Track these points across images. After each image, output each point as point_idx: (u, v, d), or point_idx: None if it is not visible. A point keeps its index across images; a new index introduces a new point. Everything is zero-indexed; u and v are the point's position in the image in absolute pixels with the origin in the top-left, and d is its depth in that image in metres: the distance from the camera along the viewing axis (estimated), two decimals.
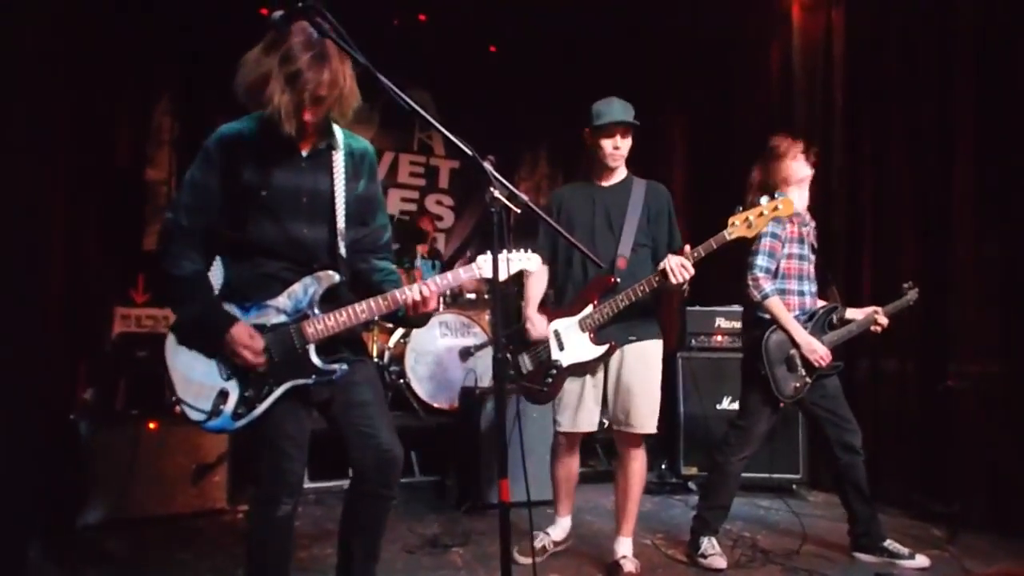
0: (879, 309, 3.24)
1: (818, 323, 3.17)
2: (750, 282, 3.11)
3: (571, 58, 6.19)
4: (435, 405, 4.69)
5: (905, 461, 4.07)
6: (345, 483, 4.18)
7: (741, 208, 2.79)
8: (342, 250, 2.11)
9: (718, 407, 4.39)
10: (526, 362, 2.99)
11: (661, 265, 2.73)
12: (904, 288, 3.32)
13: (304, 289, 2.04)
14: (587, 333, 2.88)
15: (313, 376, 2.02)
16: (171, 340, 2.02)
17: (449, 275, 2.14)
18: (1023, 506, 3.48)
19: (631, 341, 2.92)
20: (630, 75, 6.16)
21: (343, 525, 2.24)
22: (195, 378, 1.99)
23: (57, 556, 3.01)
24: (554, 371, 2.91)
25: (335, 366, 2.05)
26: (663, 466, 4.61)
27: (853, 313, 3.26)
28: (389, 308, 2.06)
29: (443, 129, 1.82)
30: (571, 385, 2.97)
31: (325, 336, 2.03)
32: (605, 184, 3.07)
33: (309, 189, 2.08)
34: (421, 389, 4.71)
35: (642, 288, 2.78)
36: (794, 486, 4.34)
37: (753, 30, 5.39)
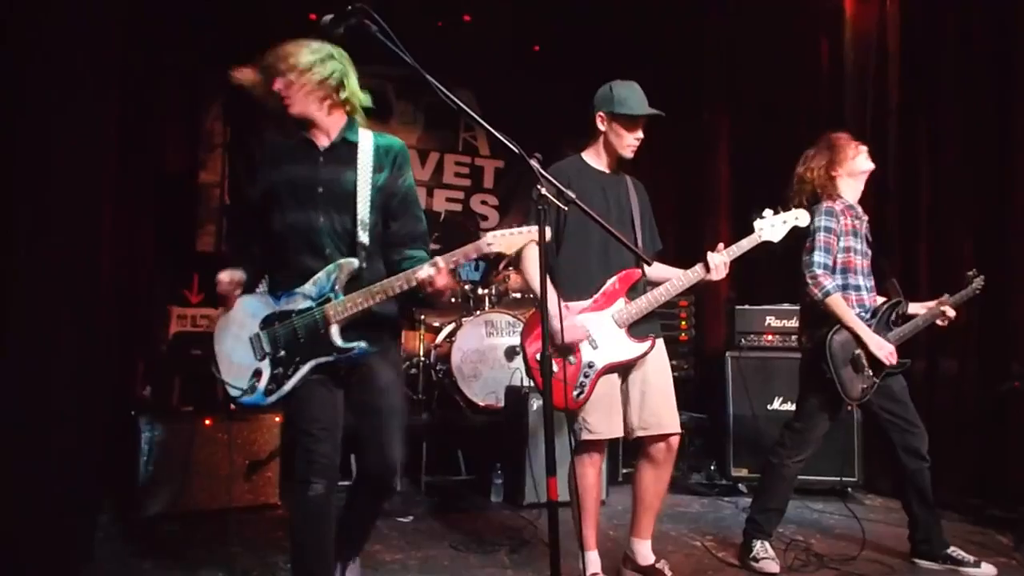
0: (945, 300, 3.13)
1: (882, 320, 3.07)
2: (809, 280, 3.01)
3: (615, 56, 6.13)
4: (481, 404, 4.71)
5: (964, 464, 3.94)
6: None
7: (779, 208, 2.80)
8: (362, 238, 2.25)
9: (768, 407, 4.30)
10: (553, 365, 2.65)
11: (654, 259, 2.71)
12: (969, 276, 3.20)
13: (327, 276, 2.21)
14: (623, 329, 2.66)
15: (334, 354, 2.18)
16: (220, 326, 2.29)
17: (458, 252, 2.19)
18: None
19: (655, 337, 2.75)
20: (675, 70, 6.09)
21: (344, 508, 2.43)
22: (235, 360, 2.24)
23: (116, 548, 3.11)
24: (589, 372, 2.63)
25: (354, 344, 2.18)
26: (712, 467, 4.55)
27: (916, 307, 3.16)
28: (402, 287, 2.16)
29: (491, 128, 1.83)
30: (601, 387, 2.67)
31: (346, 316, 2.17)
32: (607, 172, 2.85)
33: (325, 180, 2.26)
34: (467, 388, 4.72)
35: (680, 283, 2.68)
36: (849, 489, 4.22)
37: (802, 23, 5.27)
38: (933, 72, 4.33)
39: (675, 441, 2.76)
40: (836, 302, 2.98)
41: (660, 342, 2.79)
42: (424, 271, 2.14)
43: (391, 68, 6.58)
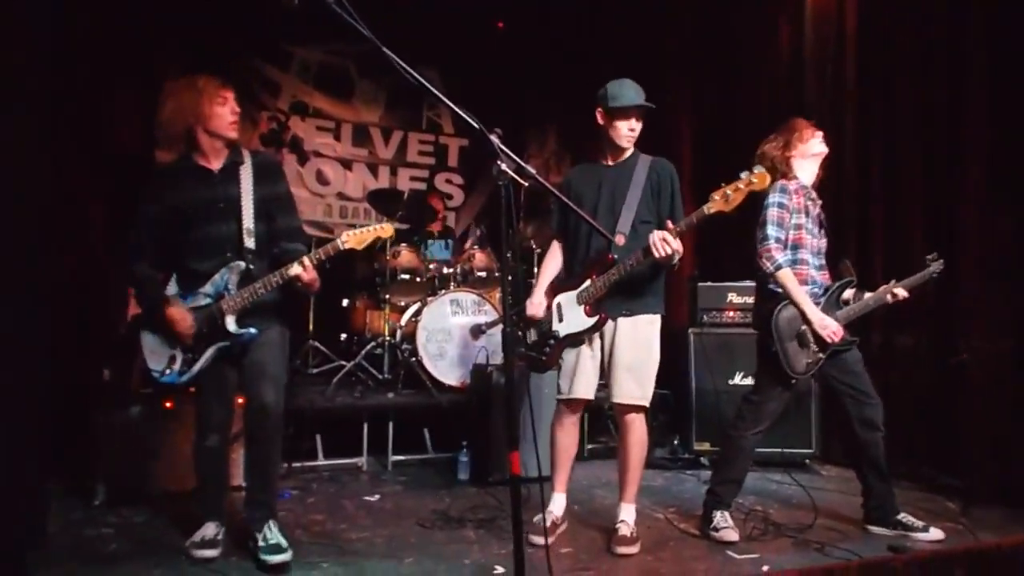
0: (895, 282, 3.22)
1: (832, 298, 3.15)
2: (763, 253, 3.08)
3: (578, 34, 6.13)
4: (447, 383, 4.71)
5: (916, 434, 4.06)
6: (357, 460, 4.27)
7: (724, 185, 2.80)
8: (248, 243, 2.76)
9: (730, 382, 4.39)
10: (531, 334, 3.19)
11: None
12: (927, 260, 3.29)
13: (221, 277, 2.73)
14: (583, 306, 2.99)
15: (229, 340, 2.72)
16: (142, 326, 2.81)
17: (319, 251, 2.69)
18: None
19: (625, 315, 2.98)
20: (637, 51, 6.08)
21: (244, 458, 3.06)
22: (153, 348, 2.77)
23: (75, 532, 3.06)
24: (552, 341, 3.07)
25: (244, 331, 2.72)
26: (675, 442, 4.63)
27: (871, 295, 3.24)
28: (277, 282, 2.68)
29: (450, 103, 1.82)
30: (568, 355, 3.08)
31: (237, 308, 2.71)
32: (612, 163, 3.12)
33: (223, 197, 2.77)
34: (433, 367, 4.72)
35: (630, 263, 2.86)
36: (807, 461, 4.34)
37: (763, 5, 5.31)
38: (889, 54, 4.39)
39: (628, 411, 3.01)
40: (786, 276, 3.05)
41: (641, 319, 3.01)
42: (293, 269, 2.66)
43: (353, 45, 6.51)
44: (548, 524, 2.98)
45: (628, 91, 3.01)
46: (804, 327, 3.06)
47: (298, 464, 4.11)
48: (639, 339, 2.99)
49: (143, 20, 5.15)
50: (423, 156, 7.15)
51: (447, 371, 4.75)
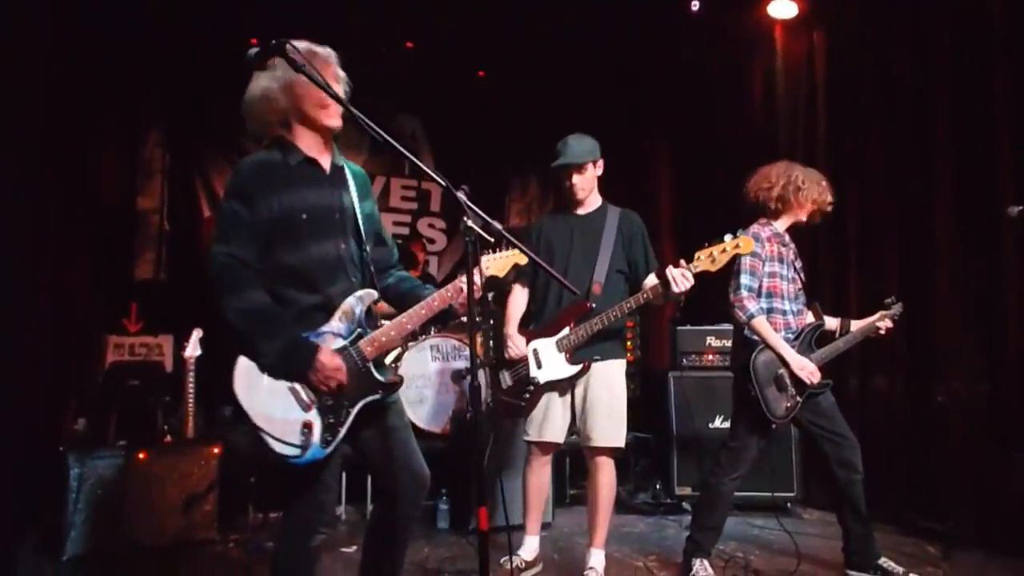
0: (885, 313, 3.30)
1: (804, 341, 3.18)
2: (735, 303, 3.12)
3: (558, 82, 6.24)
4: (427, 429, 4.68)
5: (895, 478, 4.06)
6: (336, 509, 4.18)
7: (730, 236, 2.84)
8: (371, 265, 2.17)
9: (710, 426, 4.39)
10: (506, 378, 3.17)
11: (656, 276, 2.91)
12: (887, 303, 3.35)
13: (352, 310, 2.07)
14: (563, 353, 3.05)
15: (380, 392, 2.08)
16: (242, 380, 1.95)
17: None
18: (1011, 524, 3.47)
19: (596, 360, 3.06)
20: (615, 98, 6.23)
21: (371, 546, 2.23)
22: (277, 415, 1.95)
23: None
24: (531, 387, 3.08)
25: (396, 377, 2.13)
26: (656, 486, 4.60)
27: (856, 324, 3.31)
28: (429, 314, 2.12)
29: (417, 161, 1.86)
30: (542, 400, 3.12)
31: (380, 351, 2.09)
32: (581, 212, 3.21)
33: (339, 205, 2.12)
34: (413, 413, 4.68)
35: (628, 305, 2.93)
36: (788, 504, 4.32)
37: (736, 54, 5.46)
38: (858, 103, 4.51)
39: (602, 454, 3.07)
40: (760, 324, 3.08)
41: (613, 363, 3.10)
42: (449, 293, 2.12)
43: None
44: (513, 567, 3.05)
45: (560, 150, 3.10)
46: (781, 370, 3.08)
47: (275, 514, 4.04)
48: (613, 383, 3.09)
49: (126, 72, 5.22)
50: (406, 201, 7.20)
51: (428, 417, 4.72)
